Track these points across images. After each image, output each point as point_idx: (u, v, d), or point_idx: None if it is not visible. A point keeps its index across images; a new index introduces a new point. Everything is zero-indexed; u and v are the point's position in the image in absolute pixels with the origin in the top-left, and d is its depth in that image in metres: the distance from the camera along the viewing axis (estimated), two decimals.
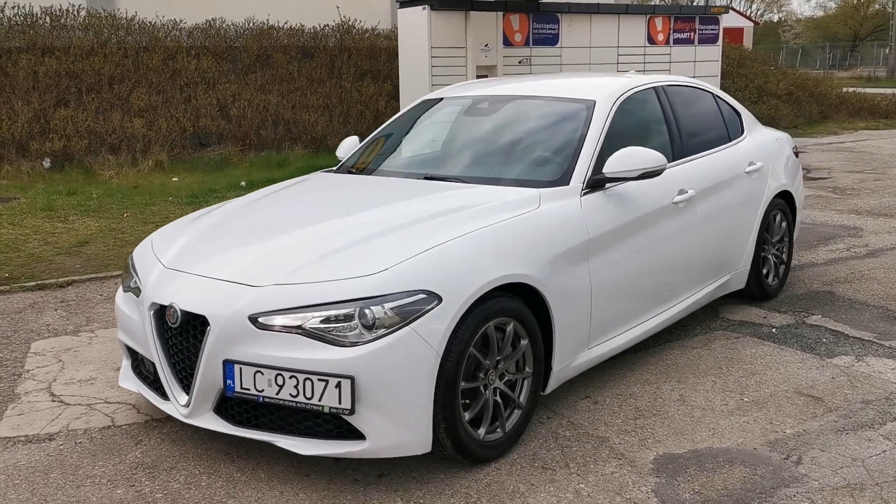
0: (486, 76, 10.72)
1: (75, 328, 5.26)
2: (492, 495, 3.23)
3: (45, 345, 4.96)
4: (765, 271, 5.55)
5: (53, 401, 4.16)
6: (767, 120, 16.77)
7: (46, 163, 11.05)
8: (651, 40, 12.33)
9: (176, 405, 3.44)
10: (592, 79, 5.12)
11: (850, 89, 22.72)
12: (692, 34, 12.72)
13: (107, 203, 9.33)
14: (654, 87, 4.87)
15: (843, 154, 13.88)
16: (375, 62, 14.88)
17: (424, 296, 3.15)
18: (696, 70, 12.56)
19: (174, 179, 10.89)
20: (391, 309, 3.10)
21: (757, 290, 5.50)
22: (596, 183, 4.07)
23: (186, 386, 3.41)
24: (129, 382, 3.85)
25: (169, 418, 3.80)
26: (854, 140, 16.11)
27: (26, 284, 6.22)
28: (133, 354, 3.86)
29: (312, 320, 3.11)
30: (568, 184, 4.00)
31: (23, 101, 11.63)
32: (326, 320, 3.11)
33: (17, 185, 10.34)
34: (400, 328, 3.09)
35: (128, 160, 11.33)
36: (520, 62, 11.11)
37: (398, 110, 5.94)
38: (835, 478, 3.33)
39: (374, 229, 3.55)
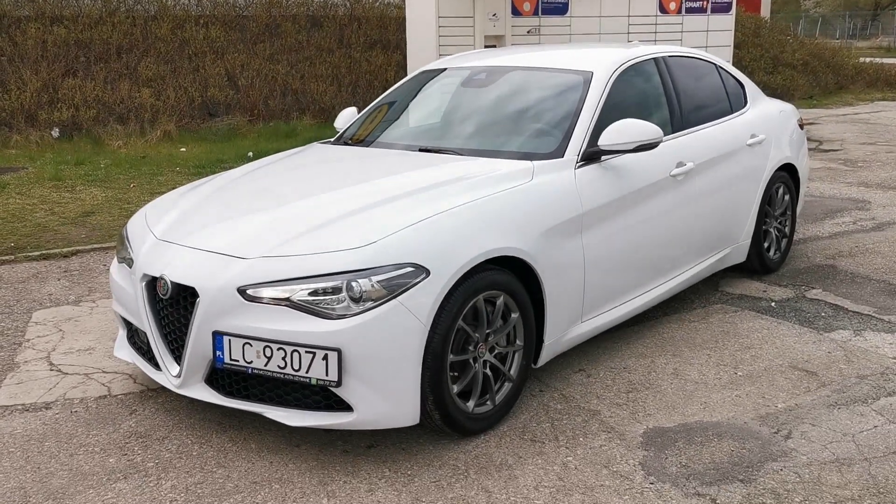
0: (495, 46, 10.63)
1: (77, 298, 5.31)
2: (479, 467, 3.25)
3: (46, 314, 5.00)
4: (766, 245, 5.51)
5: (52, 370, 4.20)
6: (783, 90, 16.60)
7: (55, 132, 11.09)
8: (663, 9, 12.16)
9: (168, 376, 3.47)
10: (592, 49, 5.06)
11: (869, 59, 22.41)
12: (705, 2, 12.52)
13: (114, 173, 9.37)
14: (654, 59, 4.81)
15: (857, 125, 13.71)
16: (385, 32, 14.78)
17: (412, 269, 3.15)
18: (708, 40, 12.39)
19: (182, 149, 10.91)
20: (378, 282, 3.10)
21: (758, 264, 5.46)
22: (591, 155, 4.04)
23: (178, 357, 3.44)
24: (124, 352, 3.89)
25: (163, 388, 3.83)
26: (869, 111, 15.91)
27: (31, 254, 6.27)
28: (128, 325, 3.89)
29: (300, 293, 3.12)
30: (563, 156, 3.98)
31: (31, 71, 11.65)
32: (314, 293, 3.12)
33: (25, 154, 10.39)
34: (387, 301, 3.09)
35: (136, 130, 11.35)
36: (528, 32, 10.99)
37: None
38: (823, 452, 3.33)
39: (365, 201, 3.55)
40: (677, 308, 4.98)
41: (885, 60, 23.46)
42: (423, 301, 3.14)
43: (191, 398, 3.48)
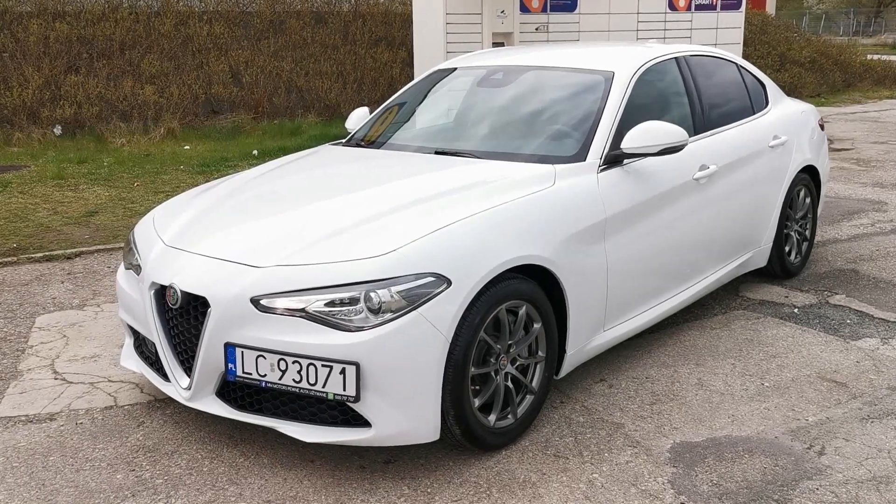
0: (503, 44, 10.48)
1: (81, 302, 5.18)
2: (502, 485, 3.12)
3: (49, 319, 4.87)
4: (787, 249, 5.38)
5: (56, 379, 4.07)
6: (790, 88, 16.43)
7: (57, 130, 10.95)
8: (672, 6, 12.01)
9: (177, 388, 3.34)
10: (611, 49, 4.93)
11: (875, 56, 22.25)
12: None
13: (117, 171, 9.23)
14: (675, 58, 4.67)
15: (866, 124, 13.57)
16: (390, 28, 14.63)
17: (433, 279, 3.01)
18: (717, 37, 12.24)
19: (186, 147, 10.77)
20: (398, 293, 2.97)
21: (779, 268, 5.33)
22: (614, 159, 3.91)
23: (188, 368, 3.31)
24: (131, 362, 3.76)
25: (172, 399, 3.70)
26: (878, 109, 15.76)
27: (34, 255, 6.14)
28: (135, 333, 3.76)
29: (316, 303, 2.99)
30: (584, 160, 3.84)
31: (34, 67, 11.51)
32: (331, 303, 2.98)
33: (27, 152, 10.26)
34: (407, 313, 2.96)
35: (139, 128, 11.21)
36: (537, 29, 10.84)
37: (413, 78, 5.74)
38: (859, 470, 3.20)
39: (382, 207, 3.41)
40: (698, 314, 4.85)
41: (892, 58, 23.28)
42: (445, 312, 3.00)
43: (201, 411, 3.35)
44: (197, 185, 4.34)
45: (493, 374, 3.28)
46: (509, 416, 3.37)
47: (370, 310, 2.96)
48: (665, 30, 11.91)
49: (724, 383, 3.97)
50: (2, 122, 10.95)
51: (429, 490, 3.10)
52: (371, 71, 13.69)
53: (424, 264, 3.04)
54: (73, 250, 6.26)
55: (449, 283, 3.03)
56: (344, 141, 4.86)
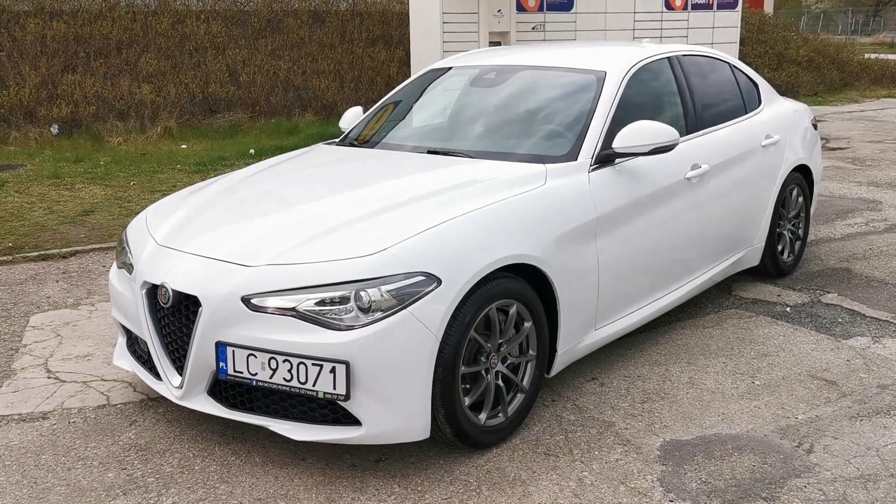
0: (499, 43, 10.50)
1: (75, 301, 5.19)
2: (492, 483, 3.14)
3: (43, 318, 4.89)
4: (780, 248, 5.39)
5: (49, 377, 4.08)
6: (787, 87, 16.47)
7: (54, 129, 10.96)
8: (668, 6, 12.02)
9: (169, 386, 3.35)
10: (604, 48, 4.94)
11: (873, 55, 22.26)
12: None
13: (114, 170, 9.24)
14: (668, 58, 4.69)
15: (863, 123, 13.58)
16: (387, 27, 14.64)
17: (423, 278, 3.03)
18: (714, 36, 12.26)
19: (183, 146, 10.78)
20: (388, 291, 2.98)
21: (771, 267, 5.34)
22: (605, 158, 3.92)
23: (179, 367, 3.32)
24: (124, 361, 3.77)
25: (164, 398, 3.71)
26: (875, 108, 15.78)
27: (29, 254, 6.15)
28: (128, 332, 3.77)
29: (307, 302, 3.00)
30: (576, 159, 3.86)
31: (30, 66, 11.51)
32: (321, 302, 3.00)
33: (24, 151, 10.26)
34: (397, 311, 2.97)
35: (136, 127, 11.22)
36: (533, 28, 10.86)
37: (409, 76, 5.76)
38: (848, 468, 3.21)
39: (373, 206, 3.43)
40: (691, 313, 4.86)
41: (890, 57, 23.29)
42: (435, 311, 3.02)
43: (192, 409, 3.36)
44: (181, 190, 4.35)
45: (483, 372, 3.29)
46: (500, 414, 3.38)
47: (360, 309, 2.98)
48: (661, 29, 11.93)
49: (715, 382, 3.98)
50: None
51: (419, 488, 3.11)
52: (368, 70, 13.70)
53: (414, 263, 3.05)
54: (69, 249, 6.27)
55: (439, 282, 3.04)
56: (337, 140, 4.88)
